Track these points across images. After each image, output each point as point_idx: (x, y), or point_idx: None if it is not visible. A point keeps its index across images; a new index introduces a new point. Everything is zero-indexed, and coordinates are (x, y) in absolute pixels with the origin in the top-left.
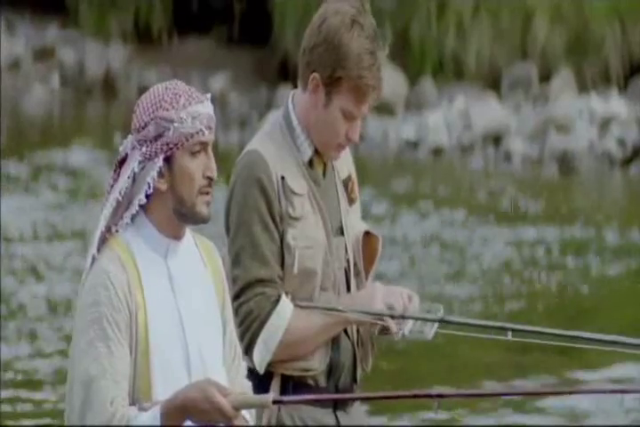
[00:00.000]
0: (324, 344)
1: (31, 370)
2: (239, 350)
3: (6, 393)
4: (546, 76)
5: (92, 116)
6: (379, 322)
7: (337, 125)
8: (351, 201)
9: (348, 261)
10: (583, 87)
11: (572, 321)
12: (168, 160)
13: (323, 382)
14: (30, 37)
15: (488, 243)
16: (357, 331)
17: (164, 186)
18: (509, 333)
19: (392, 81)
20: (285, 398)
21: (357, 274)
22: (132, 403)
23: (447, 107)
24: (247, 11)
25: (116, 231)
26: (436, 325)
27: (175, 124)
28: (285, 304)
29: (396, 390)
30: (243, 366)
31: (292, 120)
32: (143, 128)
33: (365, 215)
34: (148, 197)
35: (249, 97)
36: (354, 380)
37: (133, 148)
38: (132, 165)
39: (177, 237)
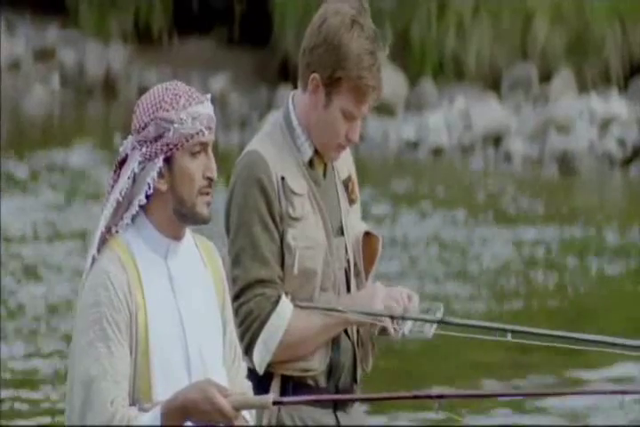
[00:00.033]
0: (324, 345)
1: (30, 370)
2: (239, 350)
3: (6, 393)
4: (546, 77)
5: (93, 116)
6: (378, 323)
7: (337, 126)
8: (351, 201)
9: (348, 261)
10: (583, 87)
11: (572, 321)
12: (168, 161)
13: (323, 382)
14: (30, 38)
15: (488, 243)
16: (357, 331)
17: (164, 186)
18: (509, 334)
19: (392, 81)
20: (285, 398)
21: (357, 274)
22: (133, 403)
23: (447, 107)
24: (247, 11)
25: (117, 232)
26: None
27: (175, 125)
28: (285, 305)
29: (396, 390)
30: (243, 367)
31: (293, 120)
32: (143, 129)
33: (365, 215)
34: (148, 197)
35: (249, 97)
36: (354, 380)
37: (133, 148)
38: (132, 166)
39: (177, 237)
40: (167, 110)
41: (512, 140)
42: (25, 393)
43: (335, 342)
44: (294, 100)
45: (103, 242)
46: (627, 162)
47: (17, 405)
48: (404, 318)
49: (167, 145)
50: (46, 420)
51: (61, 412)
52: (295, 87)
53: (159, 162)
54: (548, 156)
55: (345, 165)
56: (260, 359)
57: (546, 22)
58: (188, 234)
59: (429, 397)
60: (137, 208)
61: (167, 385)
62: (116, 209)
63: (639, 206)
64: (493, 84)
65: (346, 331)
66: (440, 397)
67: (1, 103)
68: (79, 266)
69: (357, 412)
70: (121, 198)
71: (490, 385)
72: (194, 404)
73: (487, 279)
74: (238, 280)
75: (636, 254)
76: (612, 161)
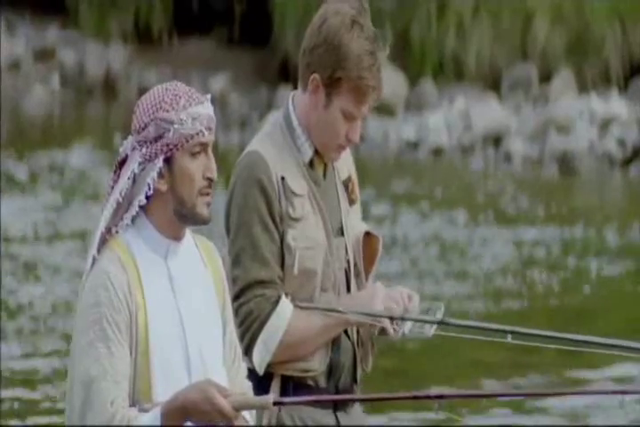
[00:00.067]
0: (323, 345)
1: (30, 369)
2: (239, 350)
3: (6, 392)
4: (546, 77)
5: (92, 116)
6: (377, 323)
7: (337, 126)
8: (351, 202)
9: (348, 261)
10: (583, 88)
11: (572, 321)
12: (168, 161)
13: (323, 382)
14: (30, 38)
15: (488, 243)
16: (357, 331)
17: (164, 187)
18: (509, 335)
19: (392, 82)
20: (286, 399)
21: (358, 275)
22: (133, 404)
23: (447, 107)
24: (247, 11)
25: (117, 232)
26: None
27: (175, 126)
28: (285, 305)
29: (396, 390)
30: (243, 367)
31: (293, 121)
32: (143, 129)
33: (365, 216)
34: (148, 198)
35: (249, 98)
36: (354, 380)
37: (133, 149)
38: (132, 166)
39: (177, 237)
40: (167, 111)
41: (512, 140)
42: (24, 393)
43: (335, 343)
44: (294, 101)
45: (103, 242)
46: (627, 162)
47: (17, 405)
48: (403, 319)
49: (167, 145)
50: (46, 420)
51: (61, 412)
52: (295, 87)
53: (159, 162)
54: (548, 156)
55: (345, 165)
56: (260, 360)
57: (546, 22)
58: (188, 234)
59: (429, 397)
60: (137, 209)
61: (167, 385)
62: (116, 210)
63: (639, 206)
64: (493, 84)
65: (346, 331)
66: (440, 397)
67: (1, 103)
68: (79, 266)
69: (357, 412)
70: (121, 199)
71: (490, 385)
72: (194, 404)
73: (487, 280)
74: (238, 280)
75: (636, 255)
76: (612, 161)
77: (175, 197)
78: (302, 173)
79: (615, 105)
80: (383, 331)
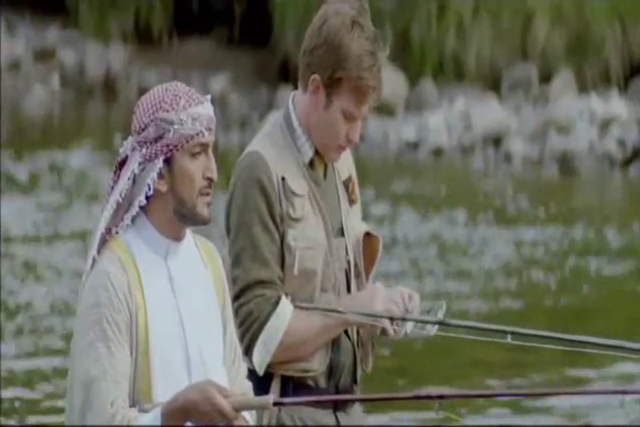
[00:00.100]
0: (324, 345)
1: (30, 369)
2: (239, 350)
3: (6, 392)
4: (546, 77)
5: (93, 117)
6: (377, 324)
7: (337, 126)
8: (352, 202)
9: (348, 261)
10: (583, 88)
11: (572, 321)
12: (168, 161)
13: (323, 382)
14: (30, 38)
15: (488, 243)
16: (357, 332)
17: (164, 187)
18: (509, 336)
19: (392, 82)
20: (286, 399)
21: (358, 275)
22: (133, 404)
23: (447, 108)
24: (247, 12)
25: (117, 233)
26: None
27: (175, 126)
28: (285, 306)
29: (396, 390)
30: (243, 367)
31: (293, 121)
32: (143, 130)
33: (366, 216)
34: (148, 198)
35: (249, 98)
36: (354, 380)
37: (133, 149)
38: (132, 167)
39: (177, 238)
40: (167, 111)
41: (512, 140)
42: (25, 392)
43: (335, 343)
44: (294, 101)
45: (103, 243)
46: (627, 162)
47: (17, 404)
48: (404, 320)
49: (167, 146)
50: (46, 419)
51: (61, 411)
52: (295, 88)
53: (159, 163)
54: (548, 156)
55: (345, 165)
56: (260, 360)
57: (546, 22)
58: (189, 234)
59: (429, 397)
60: (137, 209)
61: (167, 385)
62: (116, 210)
63: (639, 206)
64: (493, 84)
65: (346, 331)
66: (440, 397)
67: (1, 103)
68: (79, 267)
69: (357, 412)
70: (121, 199)
71: (490, 384)
72: (194, 405)
73: (487, 279)
74: (238, 281)
75: (636, 255)
76: (612, 161)
77: (175, 198)
78: (302, 174)
79: (615, 105)
80: (384, 331)
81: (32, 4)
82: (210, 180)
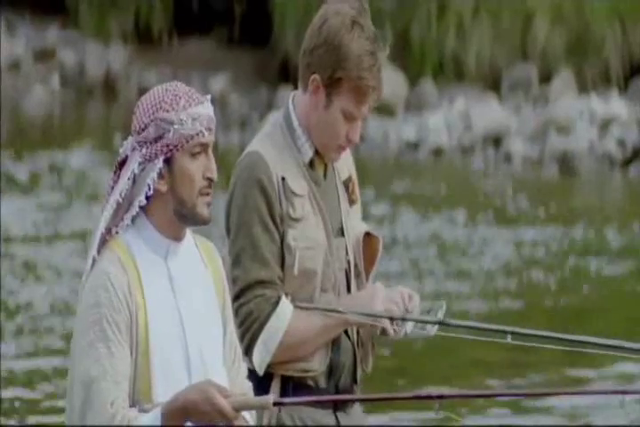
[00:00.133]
0: (324, 345)
1: (30, 369)
2: (239, 350)
3: (6, 392)
4: (546, 77)
5: (93, 117)
6: (377, 324)
7: (337, 126)
8: (352, 202)
9: (348, 262)
10: (583, 88)
11: (572, 321)
12: (168, 161)
13: (323, 382)
14: (30, 38)
15: (488, 243)
16: (357, 332)
17: (164, 187)
18: (509, 336)
19: (392, 82)
20: (286, 399)
21: (358, 275)
22: (133, 404)
23: (447, 108)
24: (247, 12)
25: (117, 233)
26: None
27: (175, 126)
28: (285, 306)
29: (396, 390)
30: (243, 367)
31: (293, 121)
32: (143, 130)
33: (366, 216)
34: (148, 198)
35: (249, 98)
36: (354, 380)
37: (133, 149)
38: (132, 167)
39: (177, 238)
40: (167, 111)
41: (512, 140)
42: (25, 392)
43: (335, 343)
44: (294, 101)
45: (103, 243)
46: (627, 162)
47: (17, 404)
48: (404, 320)
49: (167, 146)
50: (46, 419)
51: (61, 411)
52: (295, 88)
53: (159, 163)
54: (548, 156)
55: (345, 165)
56: (260, 360)
57: (546, 22)
58: (189, 234)
59: (430, 397)
60: (137, 209)
61: (167, 386)
62: (116, 210)
63: (639, 206)
64: (493, 84)
65: (346, 331)
66: (440, 397)
67: (1, 103)
68: (79, 267)
69: (357, 412)
70: (121, 199)
71: (490, 384)
72: (194, 405)
73: (487, 279)
74: (238, 281)
75: (637, 255)
76: (611, 161)
77: (175, 198)
78: (302, 174)
79: (615, 105)
80: (384, 331)
81: (32, 3)
82: (210, 180)
